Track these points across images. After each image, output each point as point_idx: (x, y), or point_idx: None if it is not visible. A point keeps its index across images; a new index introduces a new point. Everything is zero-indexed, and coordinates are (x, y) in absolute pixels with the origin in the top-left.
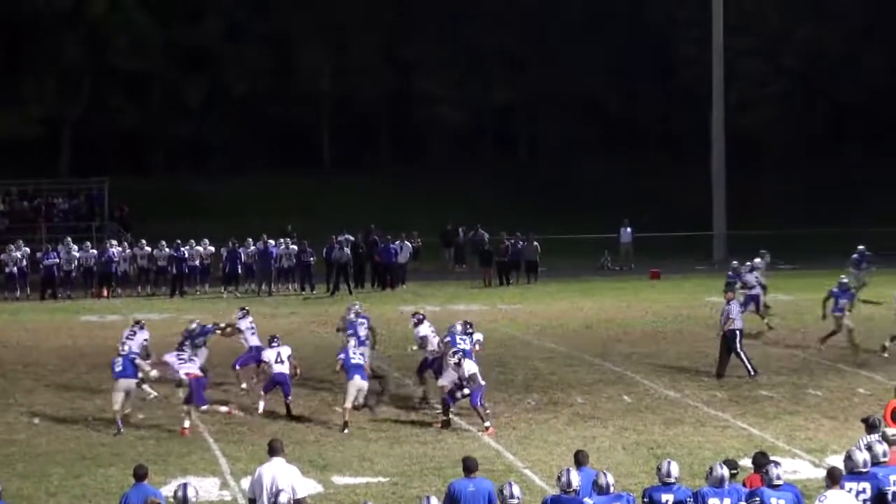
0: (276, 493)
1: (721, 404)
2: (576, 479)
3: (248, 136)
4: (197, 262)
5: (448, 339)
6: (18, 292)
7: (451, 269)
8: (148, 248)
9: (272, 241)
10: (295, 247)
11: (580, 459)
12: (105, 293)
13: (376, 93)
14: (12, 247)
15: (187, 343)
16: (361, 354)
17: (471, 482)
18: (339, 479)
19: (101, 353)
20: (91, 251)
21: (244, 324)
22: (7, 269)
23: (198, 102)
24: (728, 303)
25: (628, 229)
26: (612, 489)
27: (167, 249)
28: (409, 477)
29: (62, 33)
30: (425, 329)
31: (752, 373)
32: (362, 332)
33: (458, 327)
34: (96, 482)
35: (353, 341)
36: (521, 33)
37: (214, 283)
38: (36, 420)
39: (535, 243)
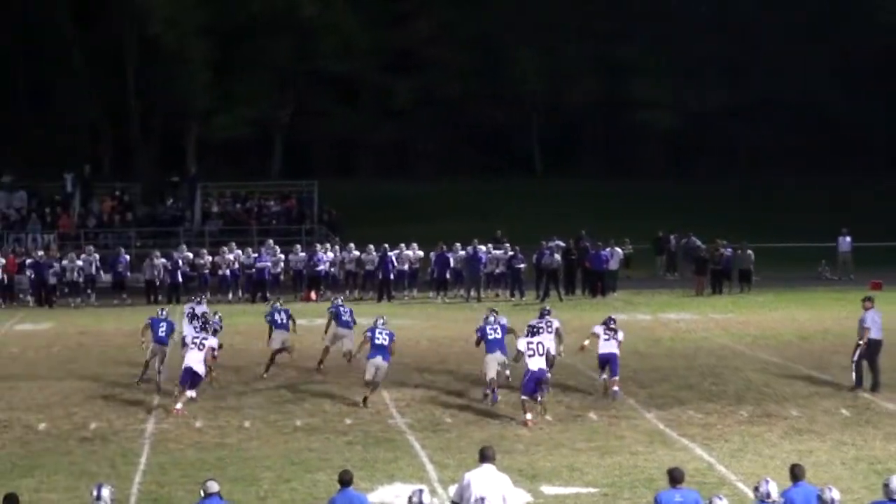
0: (481, 501)
1: None
2: (774, 490)
3: (456, 139)
4: (406, 267)
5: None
6: (231, 295)
7: (663, 277)
8: (356, 252)
9: (482, 247)
10: (504, 252)
11: (796, 474)
12: (314, 297)
13: (587, 96)
14: (225, 249)
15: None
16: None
17: (677, 492)
18: (548, 489)
19: (312, 357)
20: (300, 254)
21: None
22: (220, 272)
23: (405, 105)
24: (866, 311)
25: (847, 238)
26: None
27: (375, 253)
28: (619, 488)
29: (275, 35)
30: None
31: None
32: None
33: (491, 317)
34: (304, 487)
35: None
36: (739, 36)
37: (422, 287)
38: (247, 423)
39: (749, 251)
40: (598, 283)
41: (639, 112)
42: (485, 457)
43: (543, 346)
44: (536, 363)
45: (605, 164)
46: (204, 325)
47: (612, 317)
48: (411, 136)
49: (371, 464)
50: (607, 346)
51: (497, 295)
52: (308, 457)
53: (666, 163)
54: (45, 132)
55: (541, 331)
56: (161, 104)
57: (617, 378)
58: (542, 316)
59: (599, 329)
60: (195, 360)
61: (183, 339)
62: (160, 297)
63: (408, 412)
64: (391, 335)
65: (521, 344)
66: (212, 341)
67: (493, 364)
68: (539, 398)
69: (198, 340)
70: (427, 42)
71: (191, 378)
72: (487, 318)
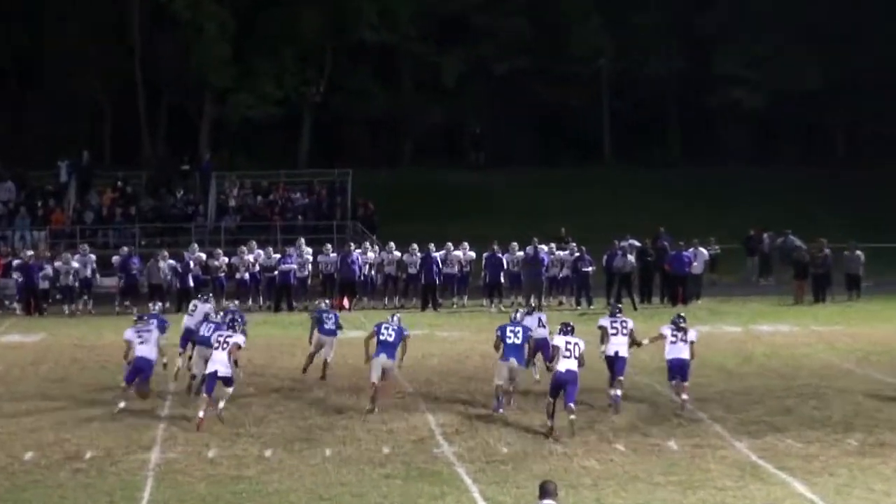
0: None
1: None
2: None
3: (513, 122)
4: (454, 270)
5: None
6: (251, 301)
7: (755, 282)
8: (397, 253)
9: (543, 246)
10: (570, 253)
11: None
12: (346, 305)
13: (663, 73)
14: (244, 248)
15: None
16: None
17: None
18: None
19: (342, 375)
20: (331, 255)
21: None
22: (238, 275)
23: (454, 82)
24: None
25: None
26: None
27: (418, 254)
28: None
29: (300, 4)
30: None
31: None
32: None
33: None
34: None
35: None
36: (836, 5)
37: (473, 294)
38: (268, 453)
39: (858, 252)
40: (679, 288)
41: (721, 90)
42: (546, 492)
43: (579, 349)
44: (565, 364)
45: (684, 149)
46: (232, 322)
47: (682, 315)
48: (460, 119)
49: (413, 500)
50: (675, 350)
51: (561, 303)
52: (339, 492)
53: (755, 148)
54: (36, 113)
55: (615, 332)
56: (171, 81)
57: (687, 384)
58: (613, 315)
59: (667, 330)
60: (220, 361)
61: (189, 338)
62: (167, 305)
63: (456, 440)
64: (400, 331)
65: (559, 340)
66: (237, 338)
67: (503, 371)
68: (570, 406)
69: (221, 338)
70: (479, 9)
71: (215, 384)
72: (514, 316)
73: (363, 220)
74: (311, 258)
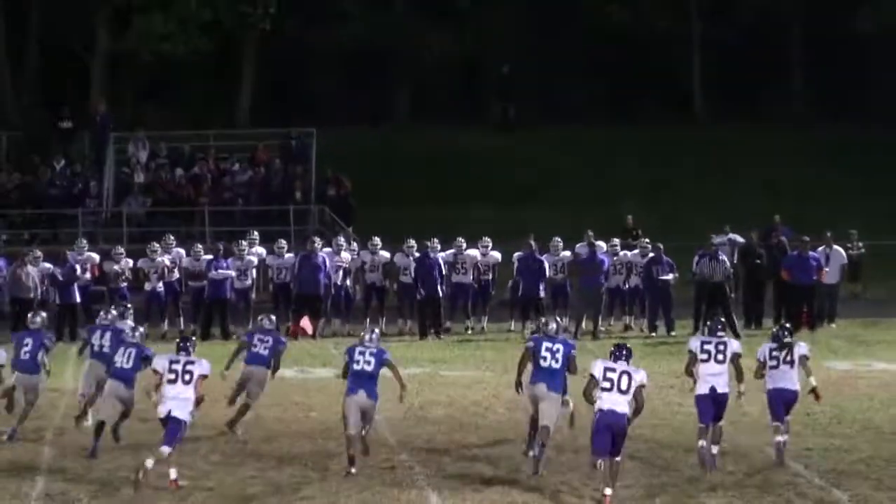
0: None
1: None
2: None
3: (557, 61)
4: (470, 277)
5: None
6: (166, 323)
7: None
8: (384, 253)
9: (601, 244)
10: (640, 253)
11: None
12: (308, 328)
13: None
14: (156, 247)
15: None
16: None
17: None
18: None
19: (300, 433)
20: (287, 256)
21: None
22: (149, 285)
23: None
24: None
25: None
26: None
27: (415, 254)
28: None
29: None
30: None
31: None
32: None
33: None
34: None
35: None
36: None
37: (498, 313)
38: None
39: None
40: (805, 305)
41: (877, 8)
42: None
43: (630, 379)
44: (611, 401)
45: (814, 100)
46: (185, 346)
47: (787, 326)
48: (480, 54)
49: None
50: (778, 378)
51: (628, 327)
52: None
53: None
54: None
55: (707, 357)
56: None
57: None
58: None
59: (763, 351)
60: (180, 401)
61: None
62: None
63: None
64: (381, 356)
65: (597, 369)
66: (202, 367)
67: (532, 398)
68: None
69: (178, 368)
70: None
71: (173, 431)
72: (547, 326)
73: (334, 204)
74: (255, 260)
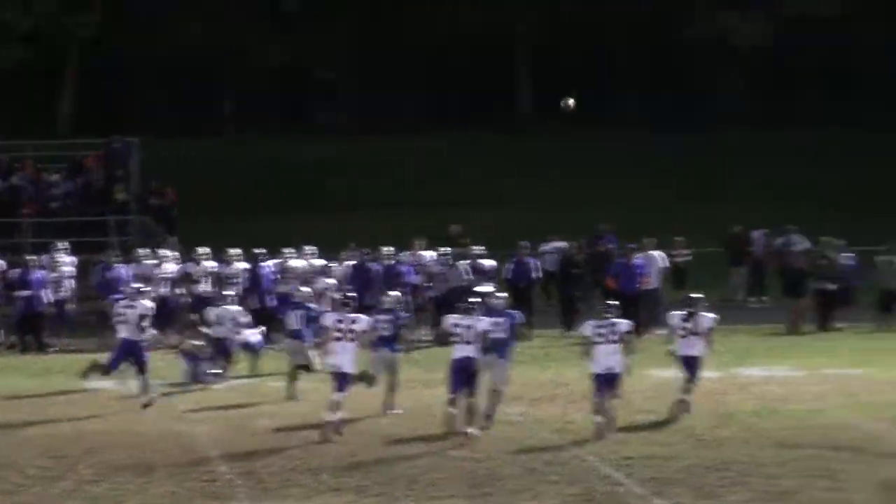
0: None
1: None
2: None
3: (385, 63)
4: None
5: None
6: None
7: (742, 303)
8: (210, 263)
9: (424, 253)
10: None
11: None
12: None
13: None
14: None
15: None
16: None
17: None
18: None
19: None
20: (117, 269)
21: None
22: None
23: (297, 5)
24: None
25: None
26: None
27: (242, 264)
28: None
29: None
30: None
31: None
32: None
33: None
34: None
35: None
36: None
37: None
38: None
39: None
40: (633, 313)
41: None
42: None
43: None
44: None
45: (648, 106)
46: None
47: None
48: (307, 59)
49: None
50: (687, 346)
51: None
52: None
53: (750, 102)
54: None
55: (602, 339)
56: None
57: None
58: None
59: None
60: None
61: None
62: None
63: None
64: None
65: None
66: None
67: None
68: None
69: None
70: None
71: None
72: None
73: (157, 214)
74: (67, 271)
